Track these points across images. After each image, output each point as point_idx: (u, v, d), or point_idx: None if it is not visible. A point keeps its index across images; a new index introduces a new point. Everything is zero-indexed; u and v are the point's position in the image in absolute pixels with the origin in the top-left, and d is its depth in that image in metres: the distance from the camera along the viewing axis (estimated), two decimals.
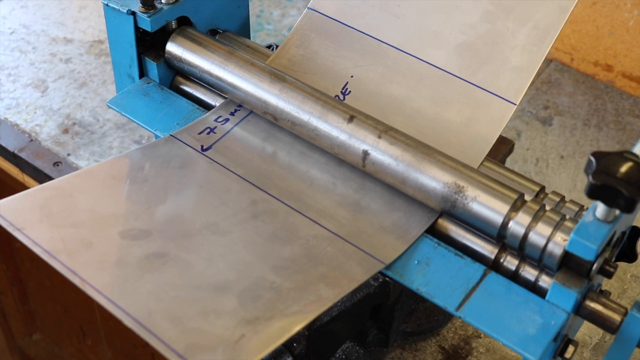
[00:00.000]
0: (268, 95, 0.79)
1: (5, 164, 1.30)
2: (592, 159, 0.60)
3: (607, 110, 1.39)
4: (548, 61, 1.47)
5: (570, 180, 1.26)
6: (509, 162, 1.24)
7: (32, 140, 1.27)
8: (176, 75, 0.88)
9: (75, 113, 1.32)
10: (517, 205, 0.69)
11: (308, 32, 0.87)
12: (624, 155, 0.61)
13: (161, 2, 0.83)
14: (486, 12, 0.81)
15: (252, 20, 1.53)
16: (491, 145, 0.77)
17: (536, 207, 0.68)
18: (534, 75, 0.78)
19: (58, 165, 1.23)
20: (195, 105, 0.84)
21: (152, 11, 0.82)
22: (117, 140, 1.27)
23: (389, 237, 0.70)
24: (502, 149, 1.17)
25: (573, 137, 1.33)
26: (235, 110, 0.83)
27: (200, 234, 0.67)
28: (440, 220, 0.73)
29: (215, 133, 0.80)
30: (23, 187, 1.28)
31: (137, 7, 0.82)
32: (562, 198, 0.74)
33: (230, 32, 0.92)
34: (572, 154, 1.31)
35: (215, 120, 0.82)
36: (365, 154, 0.73)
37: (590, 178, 0.59)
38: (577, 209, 0.72)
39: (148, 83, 0.87)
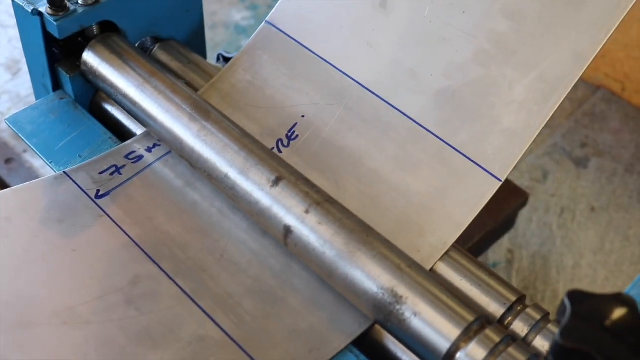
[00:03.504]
0: (185, 134, 0.62)
1: None
2: (567, 302, 0.42)
3: None
4: (595, 88, 1.26)
5: (598, 240, 1.05)
6: (524, 213, 1.04)
7: None
8: (98, 91, 0.72)
9: None
10: (473, 330, 0.51)
11: (261, 53, 0.70)
12: (620, 298, 0.42)
13: (76, 3, 0.66)
14: (481, 51, 0.62)
15: (263, 11, 1.36)
16: (462, 230, 0.59)
17: (497, 338, 0.50)
18: (529, 144, 0.59)
19: (10, 162, 1.09)
20: (109, 133, 0.68)
21: (61, 13, 0.65)
22: None
23: (299, 348, 0.53)
24: (512, 202, 0.98)
25: (610, 186, 1.13)
26: (155, 146, 0.66)
27: (46, 324, 0.51)
28: (376, 326, 0.55)
29: (120, 174, 0.64)
30: None
31: (45, 7, 0.66)
32: (545, 315, 0.55)
33: (175, 42, 0.75)
34: (606, 207, 1.10)
35: (127, 156, 0.65)
36: (288, 230, 0.56)
37: (558, 336, 0.40)
38: None
39: (62, 98, 0.71)
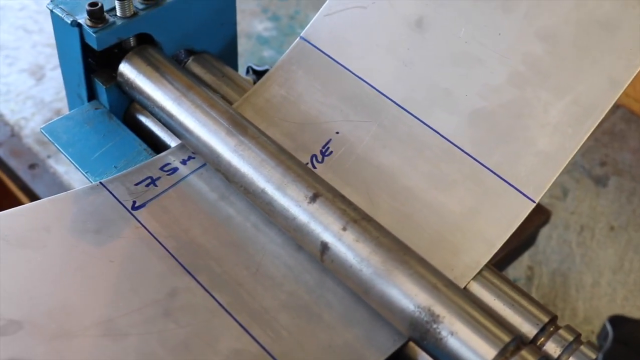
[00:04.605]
0: (222, 148, 0.62)
1: None
2: (609, 327, 0.42)
3: None
4: (615, 107, 1.26)
5: (617, 259, 1.06)
6: (544, 230, 1.05)
7: (13, 135, 1.14)
8: (133, 102, 0.73)
9: (67, 109, 1.19)
10: (509, 350, 0.51)
11: (295, 68, 0.70)
12: None
13: (115, 15, 0.67)
14: (515, 73, 0.63)
15: (285, 22, 1.37)
16: (495, 250, 0.60)
17: (532, 359, 0.50)
18: (563, 167, 0.60)
19: (34, 168, 1.10)
20: (144, 145, 0.69)
21: (100, 25, 0.66)
22: None
23: None
24: (535, 219, 0.98)
25: (630, 205, 1.13)
26: (189, 158, 0.67)
27: (84, 335, 0.52)
28: (410, 343, 0.56)
29: (156, 186, 0.64)
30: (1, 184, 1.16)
31: (84, 18, 0.66)
32: (577, 337, 0.56)
33: (209, 55, 0.76)
34: (625, 226, 1.10)
35: (162, 168, 0.66)
36: (325, 247, 0.57)
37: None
38: (595, 356, 0.54)
39: (96, 109, 0.72)
